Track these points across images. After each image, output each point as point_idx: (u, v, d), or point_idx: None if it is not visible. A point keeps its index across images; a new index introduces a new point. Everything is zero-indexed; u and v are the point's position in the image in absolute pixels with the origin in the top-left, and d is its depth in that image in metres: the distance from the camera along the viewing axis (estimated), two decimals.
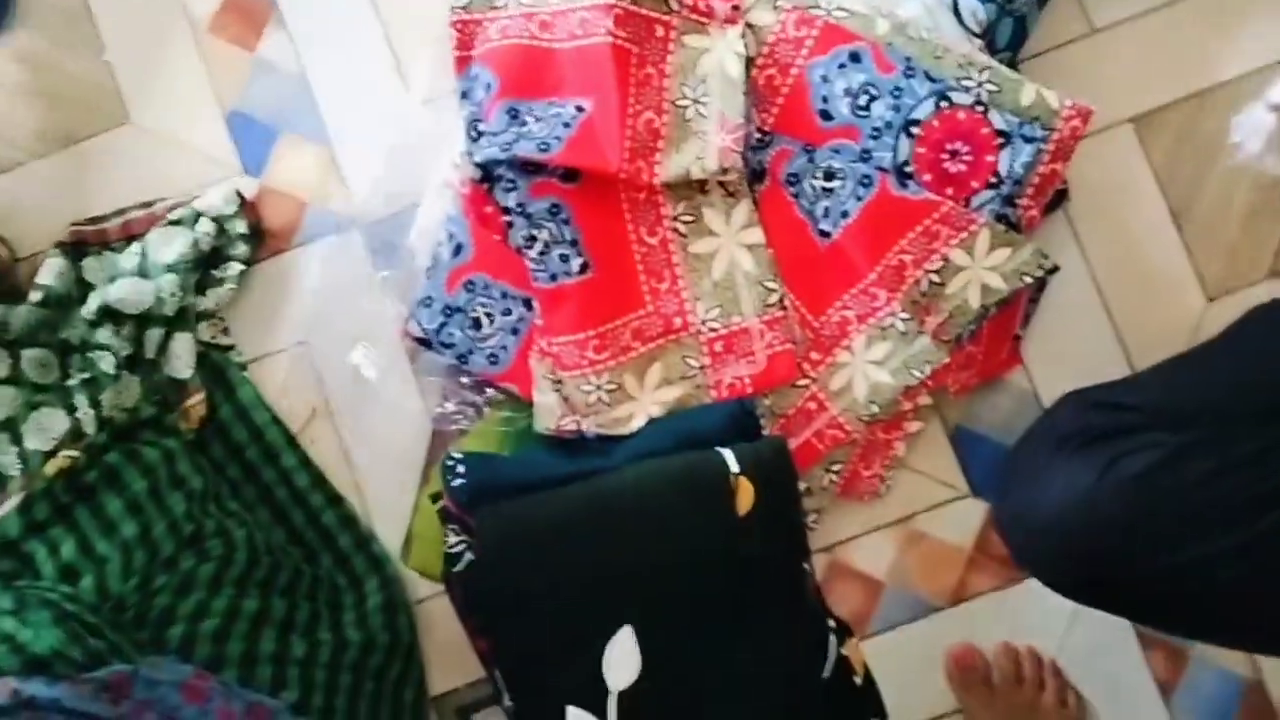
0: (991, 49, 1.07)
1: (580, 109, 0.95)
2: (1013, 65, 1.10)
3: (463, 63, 1.02)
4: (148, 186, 1.14)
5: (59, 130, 1.15)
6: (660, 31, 0.97)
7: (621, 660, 0.97)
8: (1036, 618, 1.12)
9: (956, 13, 1.04)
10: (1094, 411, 0.91)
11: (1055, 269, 1.04)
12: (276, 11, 1.14)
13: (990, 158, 1.00)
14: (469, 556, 0.96)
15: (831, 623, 1.07)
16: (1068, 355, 1.12)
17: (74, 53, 1.14)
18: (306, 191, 1.14)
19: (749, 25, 0.99)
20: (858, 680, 1.07)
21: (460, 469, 0.95)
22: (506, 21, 0.99)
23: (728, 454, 0.96)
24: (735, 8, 0.97)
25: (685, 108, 0.97)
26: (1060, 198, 1.10)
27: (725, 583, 0.96)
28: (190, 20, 1.14)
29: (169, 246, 1.07)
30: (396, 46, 1.13)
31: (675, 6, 0.97)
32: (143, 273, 1.07)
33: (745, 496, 0.96)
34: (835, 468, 1.06)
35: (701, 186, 0.99)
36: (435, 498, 1.02)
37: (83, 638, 0.87)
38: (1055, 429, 0.89)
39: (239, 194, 1.11)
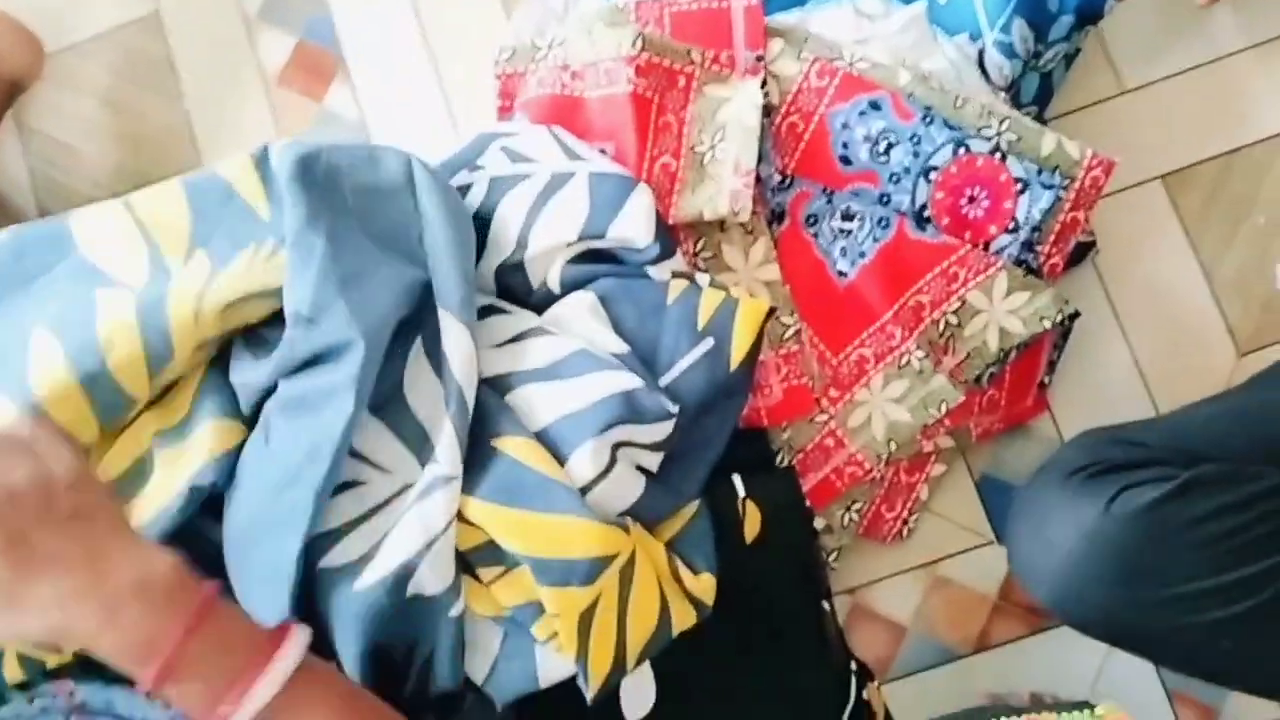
0: (1016, 103, 1.10)
1: (603, 153, 1.00)
2: (1039, 120, 1.13)
3: (505, 112, 1.09)
4: None
5: (136, 170, 1.23)
6: (682, 82, 1.02)
7: (637, 689, 0.99)
8: (1062, 669, 1.11)
9: (982, 67, 1.07)
10: (1105, 446, 0.91)
11: (1076, 314, 1.06)
12: (343, 65, 1.23)
13: (1008, 204, 1.02)
14: None
15: (853, 665, 1.08)
16: (1095, 406, 1.13)
17: (156, 99, 1.24)
18: None
19: (773, 74, 1.03)
20: None
21: None
22: (543, 73, 1.05)
23: (736, 479, 0.98)
24: (759, 59, 1.02)
25: (702, 154, 1.02)
26: (1087, 249, 1.12)
27: (737, 613, 0.98)
28: (262, 73, 1.23)
29: None
30: (450, 99, 1.21)
31: (698, 59, 1.02)
32: None
33: (753, 523, 0.98)
34: (856, 507, 1.07)
35: (721, 225, 1.03)
36: None
37: None
38: (1065, 462, 0.90)
39: None
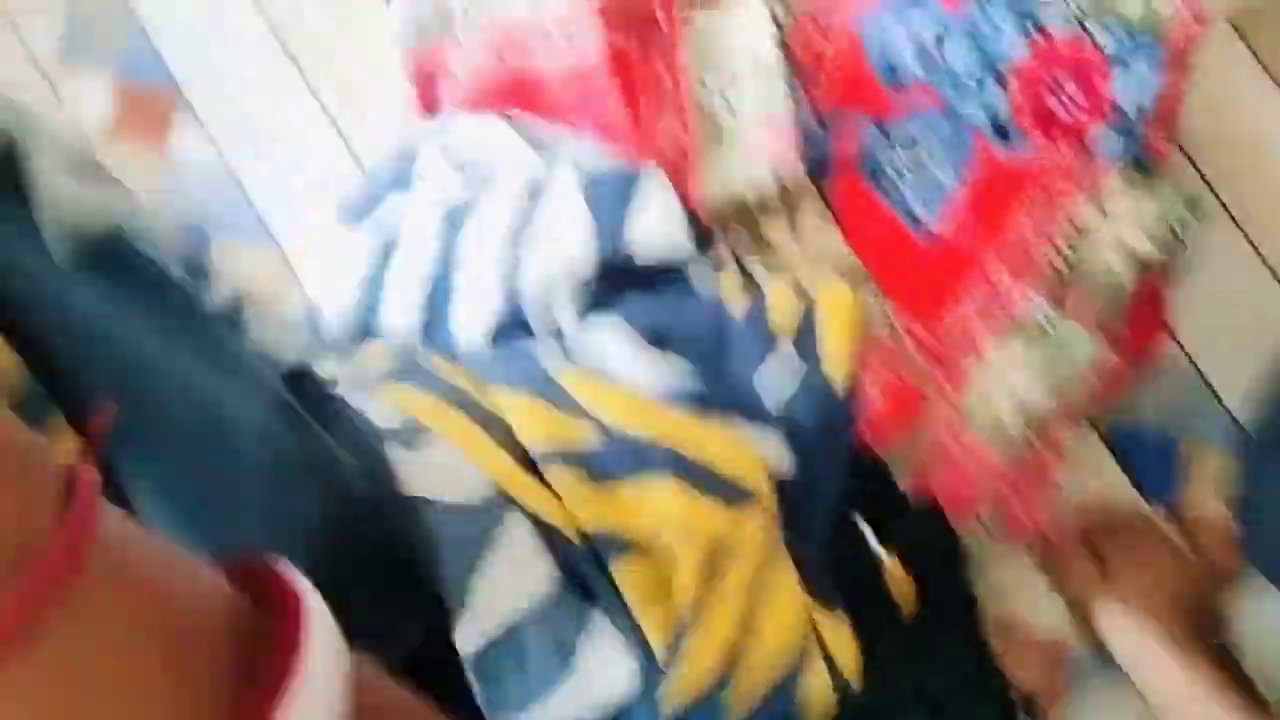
0: None
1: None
2: None
3: (427, 104, 0.82)
4: None
5: None
6: (661, 15, 0.76)
7: None
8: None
9: None
10: None
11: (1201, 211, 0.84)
12: (181, 98, 0.95)
13: (1102, 87, 0.79)
14: None
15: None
16: (1225, 317, 0.91)
17: None
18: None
19: None
20: None
21: None
22: (469, 46, 0.78)
23: (866, 530, 0.74)
24: None
25: (712, 110, 0.76)
26: None
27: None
28: (83, 131, 0.96)
29: None
30: (333, 112, 0.93)
31: None
32: None
33: (900, 581, 0.74)
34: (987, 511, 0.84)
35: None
36: None
37: None
38: None
39: None
